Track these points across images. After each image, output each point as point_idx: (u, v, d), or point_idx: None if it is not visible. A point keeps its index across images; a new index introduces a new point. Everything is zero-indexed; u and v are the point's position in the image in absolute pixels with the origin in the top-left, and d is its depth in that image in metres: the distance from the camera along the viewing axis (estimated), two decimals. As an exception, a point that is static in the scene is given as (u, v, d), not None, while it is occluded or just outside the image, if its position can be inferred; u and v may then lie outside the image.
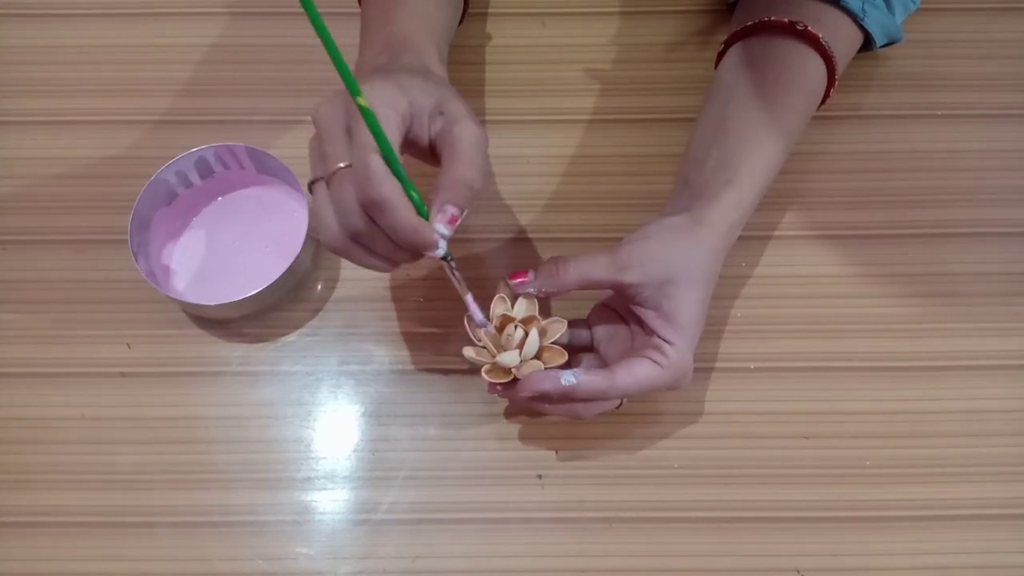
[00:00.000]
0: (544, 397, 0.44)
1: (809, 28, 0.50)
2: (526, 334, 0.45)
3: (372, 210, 0.39)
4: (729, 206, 0.47)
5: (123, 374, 0.52)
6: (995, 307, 0.53)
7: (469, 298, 0.45)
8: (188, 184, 0.54)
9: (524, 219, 0.55)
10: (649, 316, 0.45)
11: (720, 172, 0.48)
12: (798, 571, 0.47)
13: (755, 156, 0.48)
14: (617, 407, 0.47)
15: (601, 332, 0.48)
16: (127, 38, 0.62)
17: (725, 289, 0.52)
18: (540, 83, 0.60)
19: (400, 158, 0.39)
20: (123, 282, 0.53)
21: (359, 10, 0.52)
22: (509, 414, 0.51)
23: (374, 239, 0.40)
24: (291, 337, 0.53)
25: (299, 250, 0.51)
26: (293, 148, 0.56)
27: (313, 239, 0.54)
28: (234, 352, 0.52)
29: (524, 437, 0.50)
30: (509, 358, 0.44)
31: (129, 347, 0.52)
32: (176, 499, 0.49)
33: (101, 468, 0.49)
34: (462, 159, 0.40)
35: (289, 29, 0.61)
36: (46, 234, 0.56)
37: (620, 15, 0.62)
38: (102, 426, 0.50)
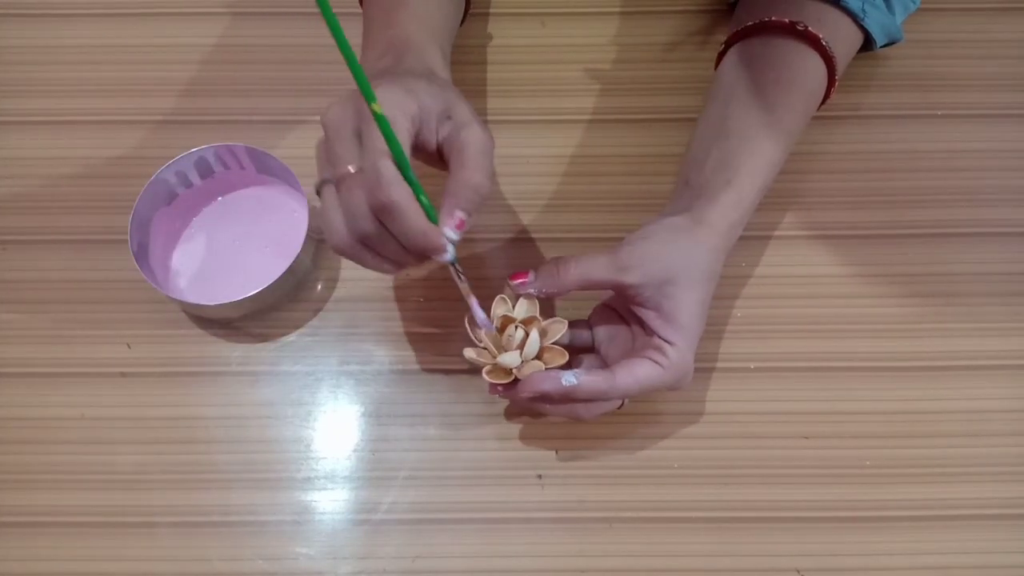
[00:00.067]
0: (545, 397, 0.44)
1: (809, 28, 0.50)
2: (527, 335, 0.45)
3: (383, 214, 0.39)
4: (729, 206, 0.47)
5: (123, 374, 0.52)
6: (995, 307, 0.53)
7: (474, 302, 0.45)
8: (188, 184, 0.54)
9: (524, 219, 0.55)
10: (649, 316, 0.45)
11: (720, 172, 0.48)
12: (798, 571, 0.47)
13: (755, 156, 0.48)
14: (619, 408, 0.47)
15: (602, 333, 0.48)
16: (127, 38, 0.62)
17: (725, 289, 0.52)
18: (540, 83, 0.60)
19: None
20: (123, 282, 0.53)
21: (360, 10, 0.52)
22: (509, 414, 0.51)
23: (383, 243, 0.40)
24: (291, 337, 0.53)
25: (299, 250, 0.51)
26: (293, 148, 0.57)
27: (313, 239, 0.54)
28: (234, 352, 0.52)
29: (524, 437, 0.50)
30: (510, 359, 0.44)
31: (129, 347, 0.52)
32: (176, 499, 0.49)
33: (101, 468, 0.49)
34: (470, 164, 0.40)
35: (289, 29, 0.61)
36: (46, 234, 0.56)
37: (620, 15, 0.62)
38: (102, 426, 0.50)
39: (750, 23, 0.52)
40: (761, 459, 0.49)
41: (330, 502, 0.49)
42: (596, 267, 0.45)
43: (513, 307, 0.46)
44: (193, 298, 0.51)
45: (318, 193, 0.41)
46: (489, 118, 0.58)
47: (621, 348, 0.47)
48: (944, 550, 0.47)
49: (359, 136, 0.39)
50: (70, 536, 0.48)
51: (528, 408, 0.50)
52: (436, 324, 0.53)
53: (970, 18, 0.61)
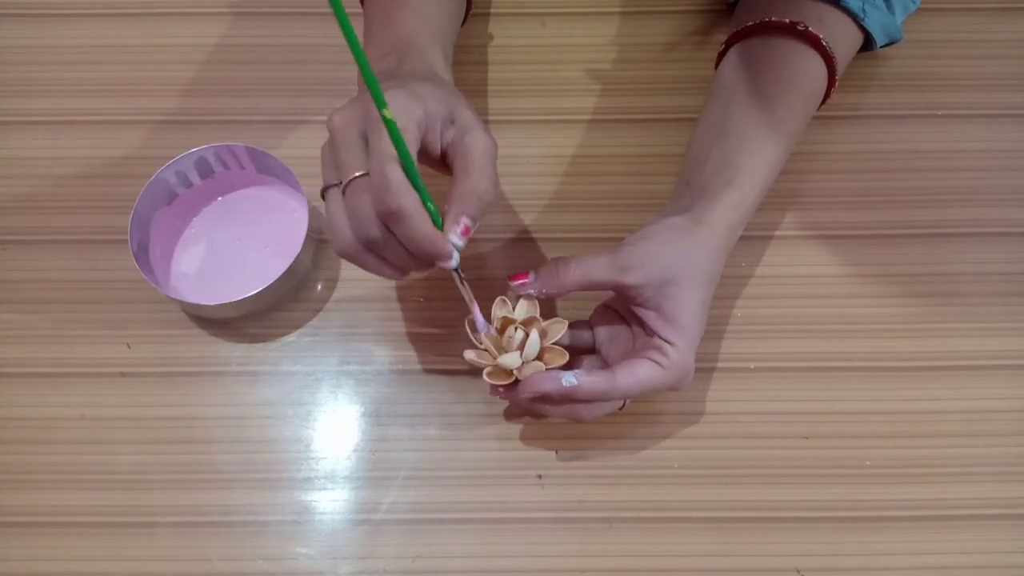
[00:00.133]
0: (545, 398, 0.44)
1: (810, 28, 0.50)
2: (527, 335, 0.45)
3: (389, 220, 0.39)
4: (730, 206, 0.47)
5: (123, 374, 0.52)
6: (995, 307, 0.53)
7: (476, 309, 0.45)
8: (188, 184, 0.54)
9: (525, 219, 0.55)
10: (650, 317, 0.45)
11: (721, 172, 0.48)
12: (798, 571, 0.47)
13: (756, 156, 0.48)
14: (620, 408, 0.47)
15: (603, 333, 0.48)
16: (127, 38, 0.62)
17: (726, 289, 0.52)
18: (540, 83, 0.60)
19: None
20: (123, 282, 0.53)
21: (361, 10, 0.52)
22: (509, 414, 0.51)
23: (388, 248, 0.40)
24: (291, 337, 0.53)
25: (299, 250, 0.51)
26: (293, 148, 0.57)
27: (313, 239, 0.54)
28: (234, 352, 0.52)
29: (524, 437, 0.50)
30: (510, 360, 0.44)
31: (129, 347, 0.52)
32: (176, 499, 0.49)
33: (101, 468, 0.49)
34: (475, 170, 0.40)
35: (289, 29, 0.61)
36: (46, 234, 0.55)
37: (620, 15, 0.62)
38: (102, 426, 0.50)
39: (750, 23, 0.52)
40: (761, 459, 0.49)
41: (330, 502, 0.49)
42: (596, 267, 0.45)
43: (513, 308, 0.46)
44: (193, 298, 0.51)
45: (323, 197, 0.41)
46: (490, 118, 0.58)
47: (622, 349, 0.47)
48: (944, 550, 0.47)
49: (365, 140, 0.39)
50: (70, 536, 0.48)
51: (529, 409, 0.50)
52: (436, 324, 0.53)
53: (970, 18, 0.61)
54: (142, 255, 0.52)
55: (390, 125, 0.37)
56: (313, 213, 0.53)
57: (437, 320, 0.53)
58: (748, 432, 0.50)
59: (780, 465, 0.49)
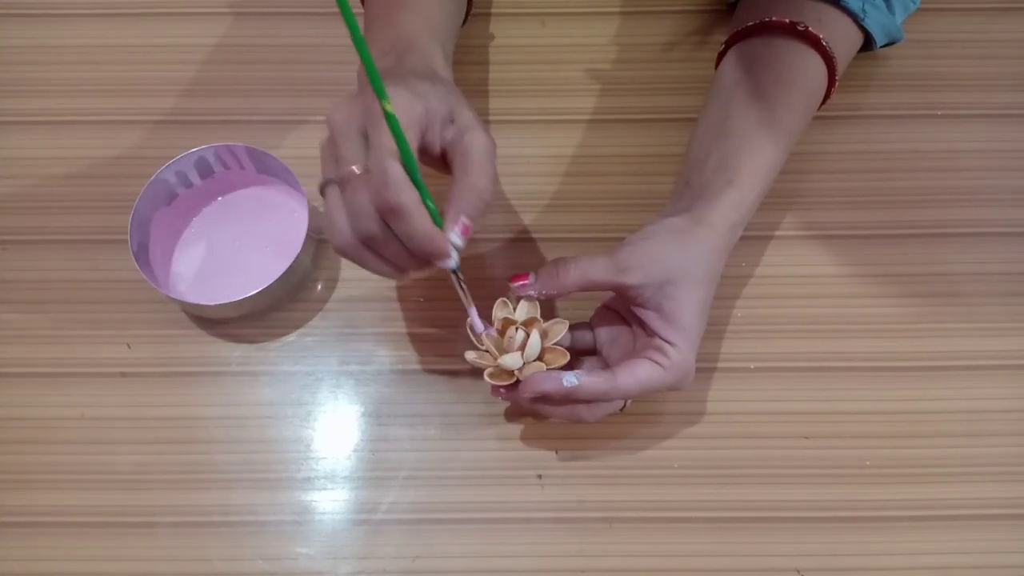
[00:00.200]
0: (546, 398, 0.44)
1: (810, 28, 0.50)
2: (528, 336, 0.45)
3: (389, 216, 0.39)
4: (730, 206, 0.47)
5: (123, 374, 0.52)
6: (995, 307, 0.53)
7: (473, 312, 0.45)
8: (188, 184, 0.54)
9: (525, 219, 0.55)
10: (650, 317, 0.45)
11: (721, 172, 0.48)
12: (798, 571, 0.47)
13: (756, 156, 0.48)
14: (621, 409, 0.47)
15: (604, 334, 0.48)
16: (127, 38, 0.62)
17: (726, 289, 0.52)
18: (541, 83, 0.60)
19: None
20: (123, 282, 0.53)
21: (362, 9, 0.52)
22: (509, 414, 0.51)
23: (386, 245, 0.40)
24: (291, 337, 0.53)
25: (299, 250, 0.51)
26: (293, 148, 0.57)
27: (313, 239, 0.54)
28: (234, 352, 0.52)
29: (524, 437, 0.50)
30: (511, 360, 0.44)
31: (129, 347, 0.52)
32: (176, 499, 0.49)
33: (101, 468, 0.49)
34: (474, 170, 0.40)
35: (289, 29, 0.61)
36: (46, 234, 0.55)
37: (620, 15, 0.62)
38: (102, 426, 0.50)
39: (750, 23, 0.52)
40: (761, 459, 0.49)
41: (330, 502, 0.49)
42: (596, 268, 0.45)
43: (514, 310, 0.46)
44: (193, 298, 0.51)
45: (322, 193, 0.41)
46: (490, 118, 0.58)
47: (623, 349, 0.47)
48: (944, 550, 0.47)
49: (365, 136, 0.39)
50: (70, 536, 0.48)
51: (530, 410, 0.50)
52: (437, 324, 0.53)
53: (970, 18, 0.61)
54: (142, 255, 0.52)
55: (391, 119, 0.37)
56: (313, 213, 0.53)
57: (437, 320, 0.53)
58: (748, 432, 0.50)
59: (780, 465, 0.49)
